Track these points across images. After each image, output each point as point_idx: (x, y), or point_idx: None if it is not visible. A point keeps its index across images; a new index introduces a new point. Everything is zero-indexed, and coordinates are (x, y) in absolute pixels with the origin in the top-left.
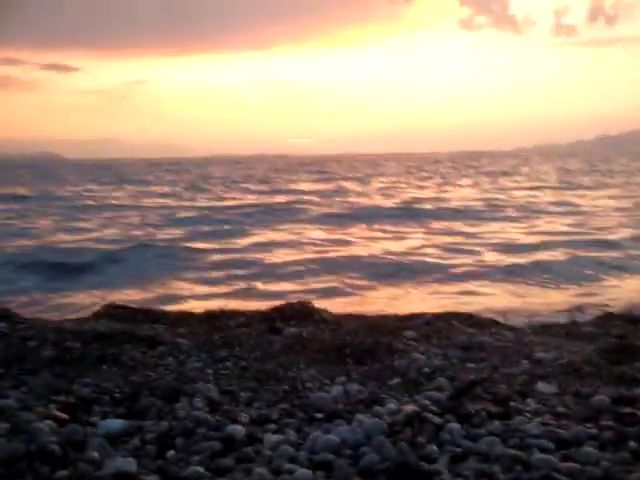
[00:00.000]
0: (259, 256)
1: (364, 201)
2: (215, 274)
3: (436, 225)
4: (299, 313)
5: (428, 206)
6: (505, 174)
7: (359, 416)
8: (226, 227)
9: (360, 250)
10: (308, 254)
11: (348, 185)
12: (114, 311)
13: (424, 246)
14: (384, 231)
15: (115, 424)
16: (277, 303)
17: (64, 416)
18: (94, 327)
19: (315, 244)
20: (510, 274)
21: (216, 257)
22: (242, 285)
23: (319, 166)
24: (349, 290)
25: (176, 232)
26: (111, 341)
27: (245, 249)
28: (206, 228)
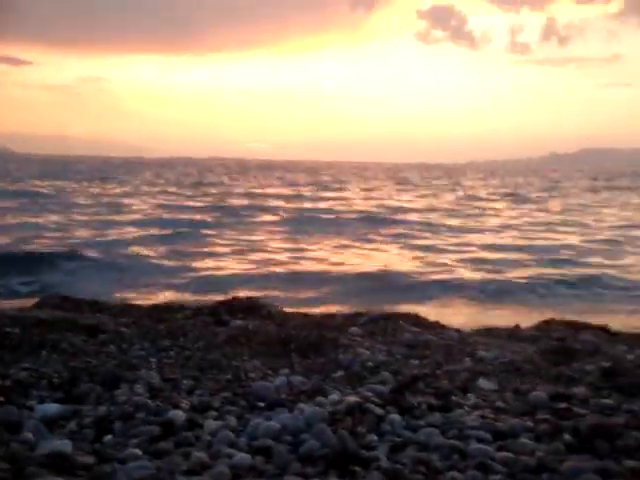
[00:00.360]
0: (211, 264)
1: (320, 207)
2: (165, 279)
3: (390, 233)
4: (246, 307)
5: (385, 215)
6: (468, 187)
7: (301, 405)
8: (179, 230)
9: (315, 260)
10: (256, 263)
11: (305, 191)
12: (57, 301)
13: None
14: (335, 240)
15: (52, 408)
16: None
17: None
18: (35, 314)
19: (266, 251)
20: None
21: (167, 263)
22: (189, 293)
23: (277, 171)
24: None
25: (127, 233)
26: (52, 328)
27: (197, 253)
28: (158, 231)
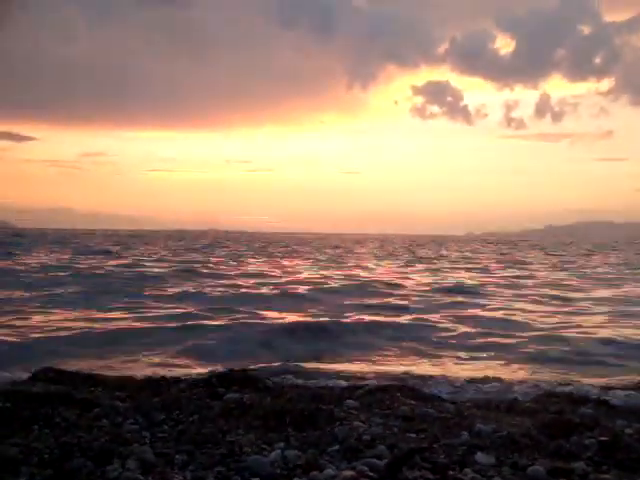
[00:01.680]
0: None
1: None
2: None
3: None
4: (241, 380)
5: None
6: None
7: None
8: None
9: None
10: None
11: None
12: (52, 375)
13: None
14: None
15: None
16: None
17: None
18: (28, 388)
19: None
20: None
21: None
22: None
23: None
24: None
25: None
26: (44, 402)
27: None
28: None
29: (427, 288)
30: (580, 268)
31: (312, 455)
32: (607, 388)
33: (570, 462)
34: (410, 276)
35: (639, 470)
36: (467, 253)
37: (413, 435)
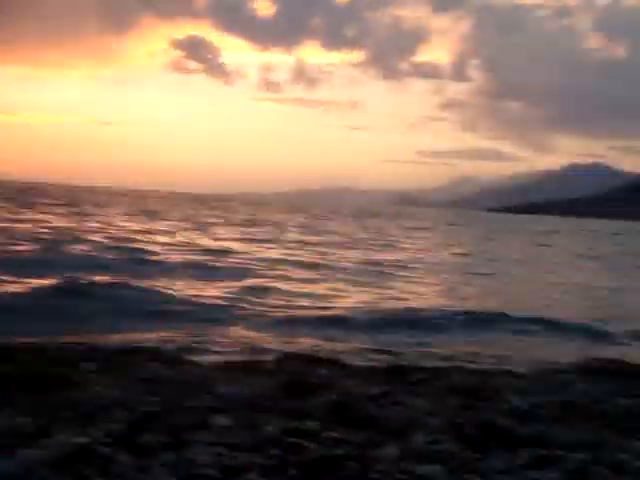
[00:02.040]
0: None
1: None
2: None
3: None
4: None
5: None
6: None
7: (22, 449)
8: None
9: None
10: None
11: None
12: None
13: None
14: None
15: None
16: None
17: None
18: None
19: None
20: None
21: None
22: None
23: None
24: None
25: None
26: None
27: None
28: None
29: (172, 248)
30: (329, 231)
31: (43, 421)
32: (343, 350)
33: (304, 421)
34: (153, 236)
35: (365, 427)
36: (221, 212)
37: (154, 399)
